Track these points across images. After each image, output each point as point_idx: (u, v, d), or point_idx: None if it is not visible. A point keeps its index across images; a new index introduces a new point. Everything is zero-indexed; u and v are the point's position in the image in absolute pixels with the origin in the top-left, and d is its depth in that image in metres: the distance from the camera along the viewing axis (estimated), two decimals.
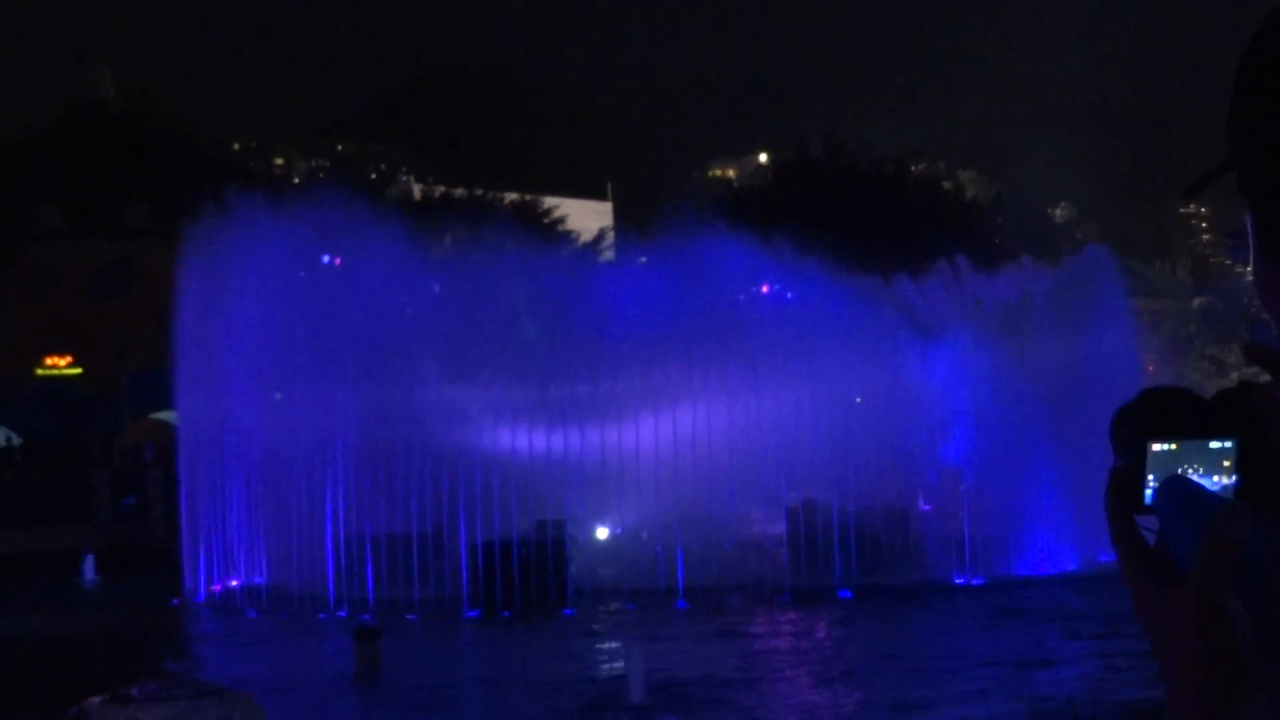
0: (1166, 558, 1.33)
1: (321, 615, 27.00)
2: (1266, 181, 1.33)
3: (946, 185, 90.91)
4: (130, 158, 77.05)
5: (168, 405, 37.65)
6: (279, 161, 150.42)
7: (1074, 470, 26.87)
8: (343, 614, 26.65)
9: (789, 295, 32.28)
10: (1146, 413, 1.35)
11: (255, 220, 29.68)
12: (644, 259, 37.10)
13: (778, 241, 31.14)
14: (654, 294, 30.44)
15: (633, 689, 18.19)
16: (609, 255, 75.74)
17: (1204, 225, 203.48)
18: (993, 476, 28.84)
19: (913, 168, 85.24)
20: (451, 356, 29.22)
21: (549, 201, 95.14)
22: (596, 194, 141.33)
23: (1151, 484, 1.34)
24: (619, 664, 20.71)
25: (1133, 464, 1.34)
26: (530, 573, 26.93)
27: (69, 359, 71.18)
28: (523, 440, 29.20)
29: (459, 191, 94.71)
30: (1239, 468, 1.32)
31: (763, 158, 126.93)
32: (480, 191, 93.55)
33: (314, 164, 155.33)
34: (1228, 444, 1.32)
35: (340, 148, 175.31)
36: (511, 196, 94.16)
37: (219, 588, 29.27)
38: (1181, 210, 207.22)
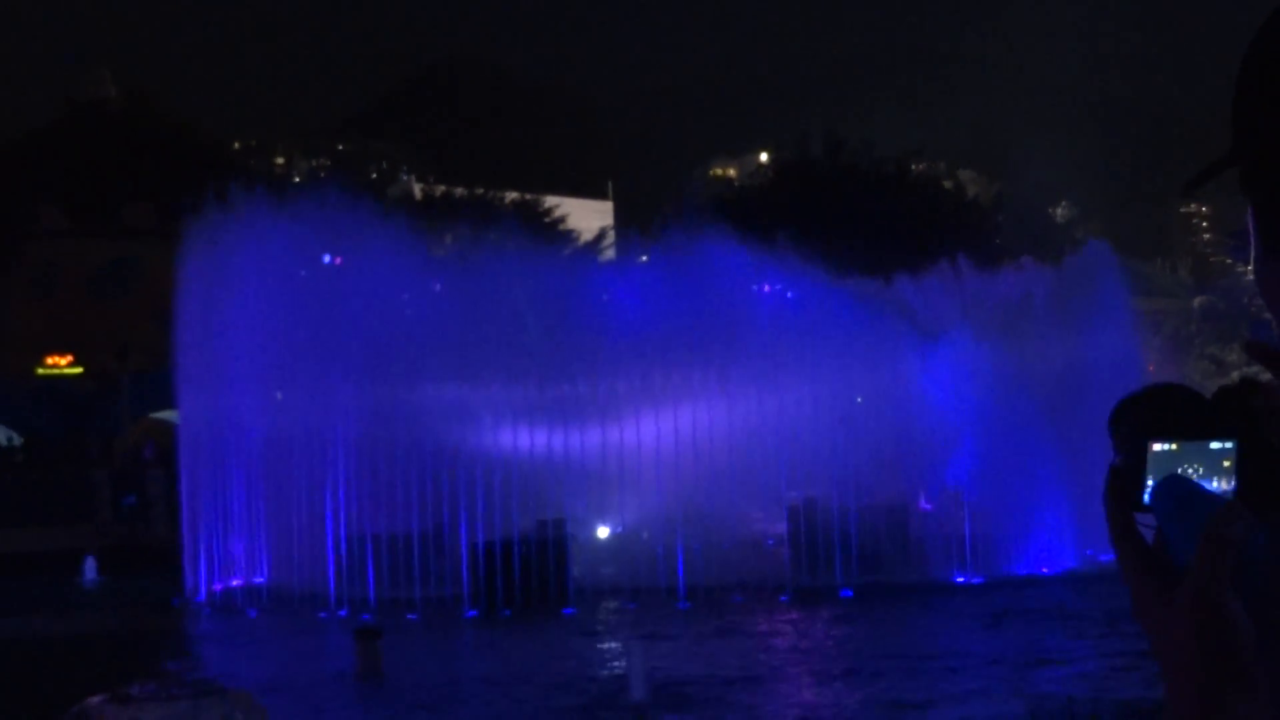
0: (1165, 556, 1.33)
1: (322, 614, 27.01)
2: (1268, 177, 1.33)
3: (947, 185, 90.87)
4: (131, 157, 76.99)
5: (169, 405, 37.64)
6: (280, 161, 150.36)
7: (1075, 469, 26.86)
8: (344, 613, 26.66)
9: (790, 295, 32.27)
10: (1147, 412, 1.35)
11: (256, 220, 29.70)
12: (644, 258, 37.11)
13: (778, 241, 31.14)
14: (655, 293, 30.46)
15: (634, 688, 18.20)
16: (609, 254, 75.79)
17: (1205, 224, 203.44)
18: (993, 475, 28.83)
19: (913, 167, 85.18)
20: (452, 356, 29.21)
21: (549, 201, 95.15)
22: (597, 193, 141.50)
23: (1151, 483, 1.34)
24: (620, 663, 20.71)
25: (1133, 463, 1.34)
26: (531, 572, 26.94)
27: (70, 358, 71.17)
28: (524, 439, 29.21)
29: (460, 191, 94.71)
30: (1238, 468, 1.32)
31: (763, 157, 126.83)
32: (481, 191, 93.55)
33: (315, 163, 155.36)
34: (1228, 445, 1.32)
35: (341, 147, 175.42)
36: (512, 196, 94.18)
37: (220, 587, 29.27)
38: (1182, 210, 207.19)
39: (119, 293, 70.98)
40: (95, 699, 11.61)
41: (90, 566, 33.78)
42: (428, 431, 28.70)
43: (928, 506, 29.94)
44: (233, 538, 29.68)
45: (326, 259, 32.11)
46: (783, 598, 27.17)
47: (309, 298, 29.61)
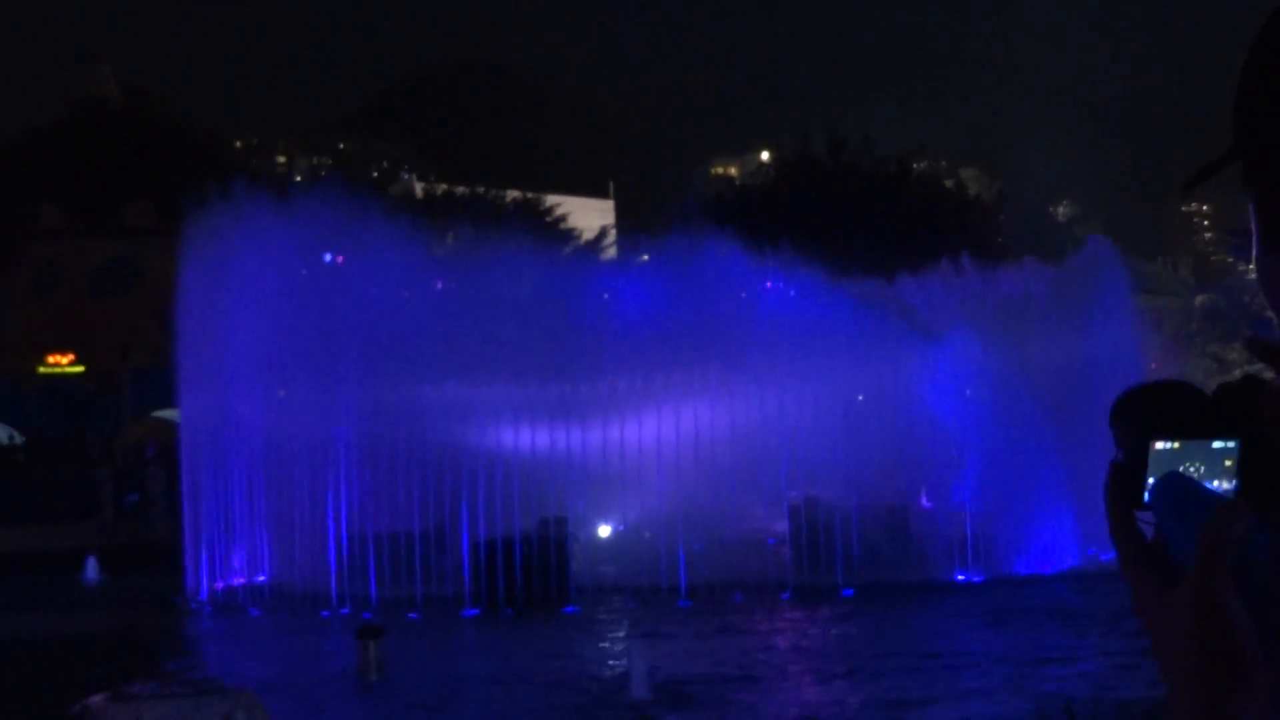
0: (1165, 553, 1.33)
1: (324, 613, 27.00)
2: (1271, 171, 1.34)
3: (948, 184, 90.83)
4: (132, 156, 77.02)
5: (170, 403, 37.65)
6: (281, 159, 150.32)
7: (1076, 467, 26.84)
8: (345, 612, 26.65)
9: (791, 293, 32.27)
10: (1150, 410, 1.35)
11: (257, 218, 29.67)
12: (646, 256, 37.12)
13: (780, 240, 31.14)
14: (656, 291, 30.46)
15: (635, 686, 18.20)
16: (611, 253, 75.83)
17: (1205, 223, 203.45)
18: (995, 474, 28.81)
19: (914, 166, 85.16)
20: (454, 354, 29.20)
21: (551, 199, 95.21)
22: (598, 192, 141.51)
23: (1152, 481, 1.34)
24: (621, 661, 20.70)
25: (1134, 460, 1.34)
26: (532, 570, 26.93)
27: (71, 357, 71.25)
28: (525, 438, 29.19)
29: (461, 189, 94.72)
30: (1240, 467, 1.32)
31: (764, 156, 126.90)
32: (482, 189, 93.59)
33: (316, 162, 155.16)
34: (1230, 444, 1.32)
35: (342, 146, 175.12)
36: (513, 194, 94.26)
37: (221, 586, 29.25)
38: (1183, 209, 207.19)
39: (120, 291, 71.03)
40: (97, 697, 11.62)
41: (91, 565, 33.75)
42: (429, 430, 28.70)
43: (929, 505, 29.92)
44: (234, 536, 29.66)
45: (328, 258, 32.09)
46: (784, 596, 27.17)
47: (310, 296, 29.59)
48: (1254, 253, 1.38)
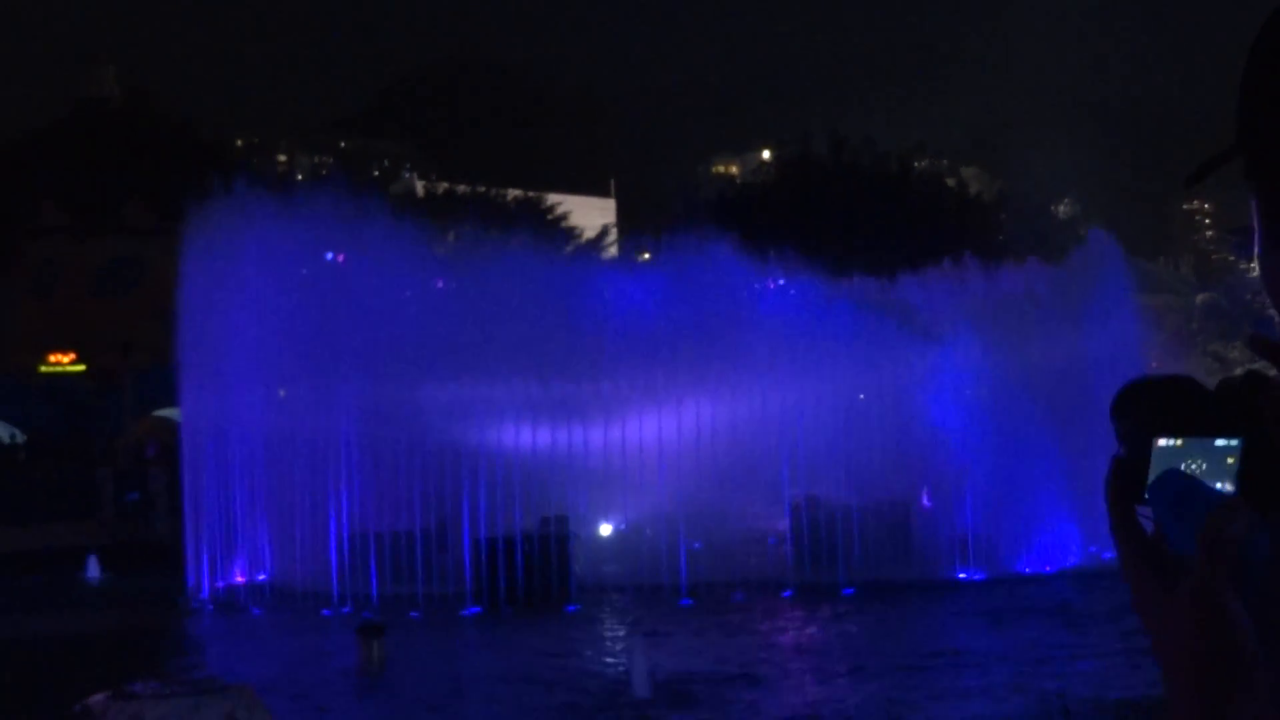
0: (1165, 552, 1.33)
1: (325, 612, 27.00)
2: (1273, 168, 1.33)
3: (950, 182, 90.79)
4: (133, 155, 76.94)
5: (171, 402, 37.62)
6: (282, 158, 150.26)
7: (1077, 465, 26.83)
8: (346, 610, 26.65)
9: (792, 292, 32.28)
10: (1153, 406, 1.34)
11: (258, 217, 29.67)
12: (647, 255, 37.11)
13: (781, 238, 31.15)
14: (658, 290, 30.46)
15: (636, 685, 18.20)
16: (612, 252, 75.84)
17: (1207, 221, 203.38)
18: (996, 472, 28.81)
19: (915, 164, 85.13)
20: (455, 353, 29.21)
21: (552, 198, 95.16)
22: (599, 191, 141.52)
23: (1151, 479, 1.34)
24: (622, 660, 20.70)
25: (1136, 456, 1.34)
26: (533, 569, 26.93)
27: (72, 356, 71.21)
28: (526, 436, 29.20)
29: (462, 188, 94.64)
30: (1241, 465, 1.31)
31: (765, 155, 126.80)
32: (483, 188, 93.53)
33: (317, 161, 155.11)
34: (1233, 442, 1.31)
35: (343, 145, 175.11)
36: (515, 193, 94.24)
37: (222, 585, 29.27)
38: (1184, 207, 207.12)
39: (121, 291, 70.99)
40: (98, 696, 11.61)
41: (93, 564, 33.75)
42: (430, 428, 28.70)
43: (930, 503, 29.92)
44: (235, 535, 29.67)
45: (329, 256, 32.09)
46: (785, 595, 27.16)
47: (311, 295, 29.61)
48: (1256, 250, 1.38)
